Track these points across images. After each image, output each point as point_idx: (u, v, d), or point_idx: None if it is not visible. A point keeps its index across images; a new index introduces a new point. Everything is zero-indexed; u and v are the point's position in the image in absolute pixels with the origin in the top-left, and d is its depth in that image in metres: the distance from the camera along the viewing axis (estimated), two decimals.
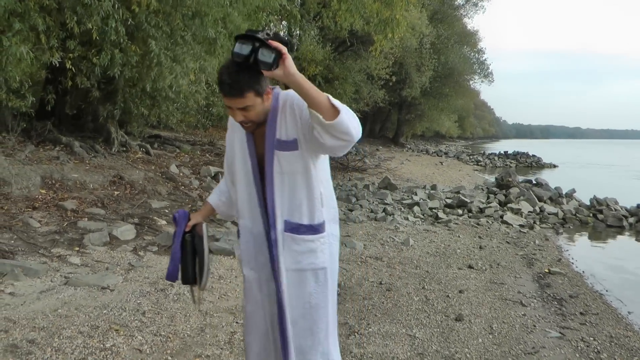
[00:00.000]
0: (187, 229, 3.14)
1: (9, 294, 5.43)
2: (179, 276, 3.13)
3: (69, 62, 9.67)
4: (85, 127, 13.20)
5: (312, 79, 21.36)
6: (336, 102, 2.51)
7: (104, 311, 5.20)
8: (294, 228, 2.86)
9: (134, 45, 10.15)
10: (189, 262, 3.11)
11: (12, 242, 6.86)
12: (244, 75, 2.59)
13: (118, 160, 11.87)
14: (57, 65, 9.69)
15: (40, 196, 8.74)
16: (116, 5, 9.16)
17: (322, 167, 2.92)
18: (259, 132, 2.88)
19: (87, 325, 4.84)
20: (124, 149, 13.07)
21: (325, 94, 2.55)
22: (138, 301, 5.53)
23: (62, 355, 4.24)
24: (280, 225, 2.86)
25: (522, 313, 6.19)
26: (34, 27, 8.62)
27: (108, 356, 4.27)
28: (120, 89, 12.55)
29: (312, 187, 2.86)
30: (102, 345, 4.46)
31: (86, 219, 8.21)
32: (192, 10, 10.45)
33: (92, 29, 8.97)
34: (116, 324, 4.93)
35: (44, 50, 9.22)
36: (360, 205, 13.09)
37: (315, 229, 2.89)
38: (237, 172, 3.00)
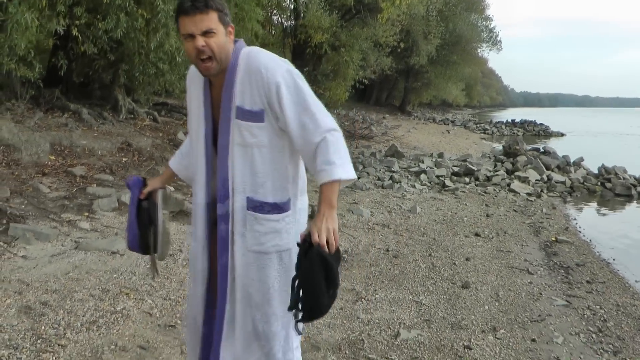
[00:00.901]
0: (143, 196, 2.96)
1: (22, 257, 5.51)
2: (139, 245, 2.99)
3: (75, 29, 9.62)
4: (92, 94, 13.21)
5: (318, 46, 21.26)
6: (335, 175, 2.46)
7: (114, 275, 5.27)
8: (258, 206, 2.62)
9: (140, 9, 10.08)
10: (146, 231, 2.95)
11: (23, 207, 6.93)
12: None
13: (126, 128, 11.89)
14: (62, 33, 9.64)
15: (49, 162, 8.79)
16: None
17: (289, 139, 2.63)
18: (217, 94, 2.67)
19: (98, 288, 4.91)
20: (132, 116, 13.08)
21: (335, 186, 2.47)
22: (148, 265, 5.59)
23: (74, 317, 4.31)
24: (241, 202, 2.62)
25: (529, 281, 6.23)
26: None
27: (119, 319, 4.34)
28: (125, 55, 12.51)
29: (278, 162, 2.63)
30: (112, 309, 4.53)
31: (95, 185, 8.27)
32: None
33: None
34: (126, 288, 5.00)
35: (50, 18, 9.17)
36: (367, 173, 13.12)
37: (280, 207, 2.65)
38: (193, 135, 2.80)
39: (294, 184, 2.70)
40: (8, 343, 3.80)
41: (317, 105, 2.57)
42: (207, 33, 2.48)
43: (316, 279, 2.36)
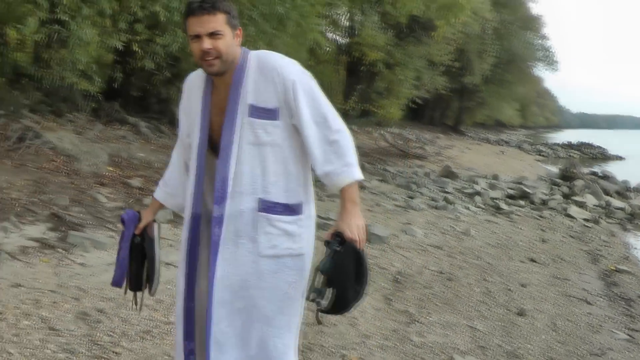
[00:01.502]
0: (138, 232, 2.86)
1: (80, 265, 5.62)
2: (125, 283, 2.90)
3: (136, 44, 9.82)
4: (150, 108, 13.49)
5: (373, 64, 21.26)
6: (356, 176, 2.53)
7: (168, 286, 5.29)
8: (270, 207, 2.54)
9: None
10: (138, 267, 2.87)
11: (82, 215, 7.08)
12: None
13: None
14: (122, 49, 9.86)
15: (107, 173, 8.97)
16: None
17: (301, 139, 2.60)
18: (219, 98, 2.63)
19: (152, 298, 4.94)
20: None
21: (355, 186, 2.54)
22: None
23: (129, 325, 4.36)
24: (251, 204, 2.53)
25: (588, 311, 6.03)
26: (101, 11, 8.79)
27: (171, 330, 4.34)
28: (182, 71, 12.71)
29: (290, 163, 2.59)
30: (165, 319, 4.57)
31: (151, 196, 8.39)
32: None
33: (159, 12, 9.06)
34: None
35: (110, 34, 9.41)
36: (421, 193, 13.00)
37: (292, 209, 2.59)
38: (193, 146, 2.70)
39: (305, 189, 2.66)
40: (65, 347, 3.87)
41: (329, 106, 2.60)
42: (213, 34, 2.47)
43: (348, 273, 2.41)
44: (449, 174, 16.75)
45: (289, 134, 2.57)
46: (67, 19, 8.09)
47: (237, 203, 2.54)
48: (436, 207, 11.49)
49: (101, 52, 11.21)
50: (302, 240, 2.61)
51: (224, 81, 2.61)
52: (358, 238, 2.44)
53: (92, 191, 8.01)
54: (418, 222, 9.77)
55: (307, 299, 2.47)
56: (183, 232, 2.73)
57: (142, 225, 2.87)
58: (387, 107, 24.39)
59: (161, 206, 2.98)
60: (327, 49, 23.92)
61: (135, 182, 8.80)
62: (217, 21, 2.47)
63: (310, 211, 2.69)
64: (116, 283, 2.90)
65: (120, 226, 2.92)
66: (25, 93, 10.70)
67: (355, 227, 2.45)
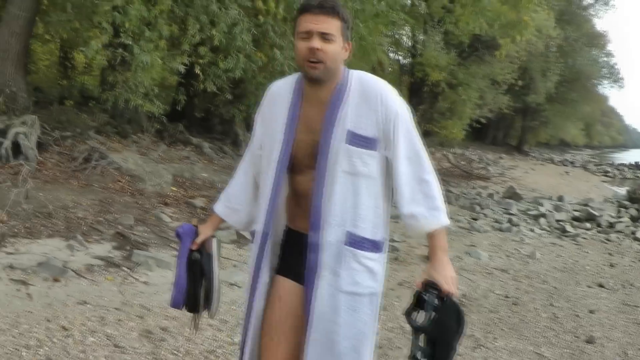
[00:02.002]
0: (195, 247, 2.65)
1: (143, 283, 5.68)
2: (184, 302, 2.68)
3: (199, 67, 9.95)
4: (213, 129, 13.69)
5: (435, 84, 21.15)
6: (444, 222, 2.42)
7: (232, 307, 5.31)
8: (358, 242, 2.42)
9: (259, 51, 10.36)
10: (196, 286, 2.66)
11: (146, 234, 7.19)
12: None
13: None
14: (184, 71, 10.03)
15: (171, 193, 9.11)
16: (241, 14, 9.36)
17: (390, 174, 2.49)
18: (310, 113, 2.47)
19: (217, 318, 4.95)
20: None
21: (444, 232, 2.43)
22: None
23: (193, 345, 4.37)
24: (339, 236, 2.40)
25: None
26: (162, 34, 8.98)
27: (235, 350, 4.32)
28: (246, 91, 12.87)
29: (379, 197, 2.47)
30: (230, 340, 4.56)
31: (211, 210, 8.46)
32: None
33: (215, 36, 9.19)
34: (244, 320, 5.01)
35: (173, 57, 9.60)
36: (485, 215, 12.79)
37: (378, 246, 2.48)
38: (271, 162, 2.52)
39: (386, 225, 2.55)
40: None
41: (422, 144, 2.50)
42: (325, 36, 2.33)
43: (452, 329, 2.27)
44: (513, 195, 16.46)
45: (382, 166, 2.46)
46: (130, 42, 8.28)
47: (328, 233, 2.41)
48: (500, 229, 11.26)
49: (165, 75, 11.44)
50: (380, 278, 2.51)
51: (318, 96, 2.46)
52: (454, 291, 2.32)
53: (156, 211, 8.13)
54: (482, 244, 9.57)
55: (412, 357, 2.28)
56: (252, 249, 2.60)
57: (199, 240, 2.67)
58: (450, 128, 24.25)
59: (221, 221, 2.79)
60: (390, 69, 23.96)
61: (199, 202, 8.90)
62: (333, 25, 2.34)
63: (387, 247, 2.60)
64: (175, 304, 2.69)
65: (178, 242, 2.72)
66: (92, 115, 11.00)
67: (450, 279, 2.32)
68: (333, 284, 2.41)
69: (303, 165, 2.49)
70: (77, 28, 12.29)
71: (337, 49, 2.36)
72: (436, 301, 2.27)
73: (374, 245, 2.45)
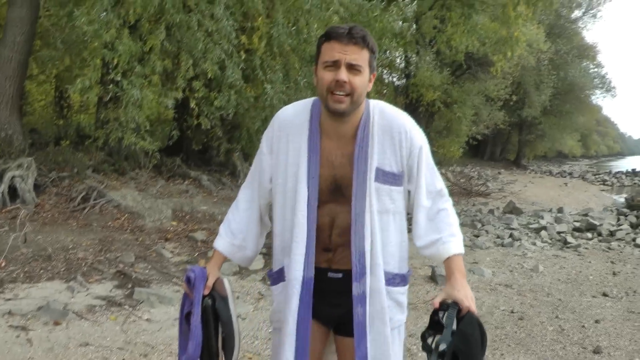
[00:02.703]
0: (207, 292, 2.46)
1: (146, 320, 5.64)
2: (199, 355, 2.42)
3: (194, 101, 9.93)
4: (211, 161, 13.70)
5: (430, 104, 21.22)
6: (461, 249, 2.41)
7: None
8: (390, 279, 2.40)
9: (249, 87, 10.39)
10: (212, 334, 2.44)
11: (147, 271, 7.15)
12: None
13: None
14: (177, 105, 10.01)
15: (171, 228, 9.08)
16: (230, 50, 9.39)
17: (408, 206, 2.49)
18: (333, 147, 2.37)
19: None
20: None
21: (461, 258, 2.39)
22: (269, 330, 5.56)
23: None
24: (380, 277, 2.34)
25: None
26: (154, 69, 9.01)
27: None
28: (241, 127, 12.88)
29: (403, 230, 2.45)
30: None
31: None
32: (310, 53, 10.44)
33: (207, 70, 9.20)
34: (249, 352, 4.99)
35: (165, 93, 9.62)
36: (486, 231, 12.76)
37: (405, 279, 2.48)
38: (287, 194, 2.41)
39: (407, 255, 2.52)
40: None
41: (439, 175, 2.50)
42: (353, 67, 2.22)
43: (477, 346, 2.20)
44: (514, 209, 16.47)
45: (405, 199, 2.43)
46: (119, 78, 8.30)
47: (376, 278, 2.34)
48: (502, 245, 11.24)
49: (160, 109, 11.45)
50: (406, 309, 2.51)
51: (339, 130, 2.36)
52: (474, 308, 2.27)
53: (156, 247, 8.11)
54: (485, 260, 9.55)
55: None
56: (288, 300, 2.37)
57: (210, 283, 2.49)
58: (448, 146, 24.29)
59: (225, 259, 2.64)
60: (385, 91, 24.04)
61: (200, 235, 8.87)
62: (362, 56, 2.23)
63: None
64: (191, 358, 2.40)
65: (184, 286, 2.51)
66: (89, 154, 10.99)
67: (471, 298, 2.26)
68: (368, 324, 2.35)
69: (320, 201, 2.38)
70: (69, 65, 12.36)
71: (364, 82, 2.26)
72: (455, 318, 2.22)
73: (402, 280, 2.46)
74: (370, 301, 2.33)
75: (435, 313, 2.27)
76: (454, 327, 2.19)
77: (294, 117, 2.44)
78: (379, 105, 2.41)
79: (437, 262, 2.46)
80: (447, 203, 2.45)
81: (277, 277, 2.52)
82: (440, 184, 2.45)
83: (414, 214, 2.43)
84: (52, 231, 8.00)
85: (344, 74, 2.19)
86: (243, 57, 9.65)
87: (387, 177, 2.34)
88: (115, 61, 8.27)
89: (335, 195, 2.37)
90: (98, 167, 10.77)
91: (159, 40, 8.80)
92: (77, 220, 8.62)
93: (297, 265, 2.35)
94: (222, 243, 2.62)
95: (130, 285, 6.53)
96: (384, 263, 2.36)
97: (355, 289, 2.32)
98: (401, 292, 2.45)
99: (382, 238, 2.35)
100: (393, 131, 2.35)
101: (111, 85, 8.56)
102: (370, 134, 2.34)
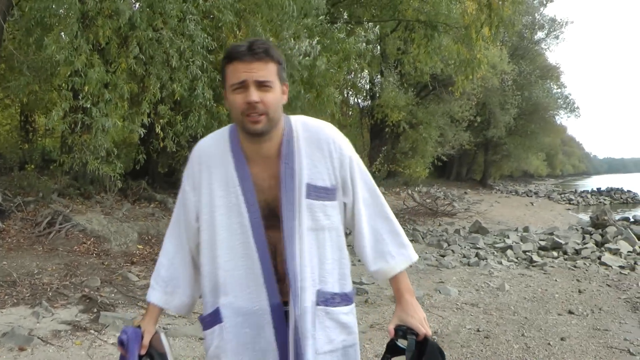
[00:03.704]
0: (143, 351, 2.26)
1: (112, 344, 5.60)
2: None
3: (158, 126, 9.80)
4: (177, 184, 13.54)
5: (395, 125, 21.44)
6: (413, 257, 2.32)
7: None
8: (329, 299, 2.23)
9: (221, 106, 10.37)
10: None
11: (113, 295, 7.12)
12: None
13: None
14: (144, 132, 9.94)
15: (137, 251, 9.05)
16: (203, 69, 9.35)
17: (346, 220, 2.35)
18: (260, 168, 2.22)
19: None
20: None
21: (405, 272, 2.30)
22: None
23: None
24: (311, 297, 2.18)
25: None
26: (122, 95, 8.94)
27: None
28: None
29: (342, 247, 2.28)
30: None
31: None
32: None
33: (176, 92, 9.11)
34: None
35: (132, 118, 9.55)
36: (452, 251, 12.88)
37: (348, 298, 2.30)
38: (217, 230, 2.21)
39: (349, 272, 2.34)
40: None
41: (373, 180, 2.36)
42: (263, 85, 2.07)
43: None
44: (480, 229, 16.64)
45: (341, 214, 2.29)
46: (89, 105, 8.21)
47: (304, 299, 2.17)
48: (469, 264, 11.34)
49: (126, 133, 11.40)
50: (354, 329, 2.32)
51: (262, 152, 2.22)
52: (430, 332, 2.19)
53: (122, 270, 8.08)
54: (451, 280, 9.63)
55: None
56: (235, 335, 2.22)
57: (147, 341, 2.29)
58: (413, 167, 24.49)
59: (161, 311, 2.43)
60: (350, 112, 24.23)
61: None
62: (269, 71, 2.09)
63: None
64: None
65: (118, 348, 2.29)
66: (54, 178, 10.92)
67: (424, 321, 2.17)
68: (312, 349, 2.18)
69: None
70: (36, 91, 12.29)
71: (277, 97, 2.13)
72: (413, 346, 2.15)
73: (344, 299, 2.28)
74: (300, 323, 2.16)
75: (392, 341, 2.22)
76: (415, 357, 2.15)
77: (212, 148, 2.30)
78: (300, 119, 2.30)
79: (383, 280, 2.31)
80: (390, 211, 2.33)
81: (211, 320, 2.29)
82: (378, 192, 2.33)
83: (356, 225, 2.30)
84: (17, 256, 7.93)
85: (254, 95, 2.06)
86: (216, 76, 9.59)
87: (319, 193, 2.20)
88: (87, 88, 8.18)
89: (272, 220, 2.20)
90: (63, 191, 10.71)
91: (128, 62, 8.71)
92: (42, 245, 8.56)
93: (259, 296, 2.19)
94: (154, 294, 2.40)
95: (95, 310, 6.49)
96: (320, 282, 2.21)
97: (292, 311, 2.16)
98: (344, 312, 2.26)
99: (316, 256, 2.20)
100: (321, 143, 2.23)
101: (80, 115, 8.46)
102: (296, 149, 2.21)
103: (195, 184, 2.29)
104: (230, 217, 2.20)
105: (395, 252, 2.28)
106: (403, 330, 2.19)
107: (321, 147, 2.22)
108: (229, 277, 2.21)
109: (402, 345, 2.20)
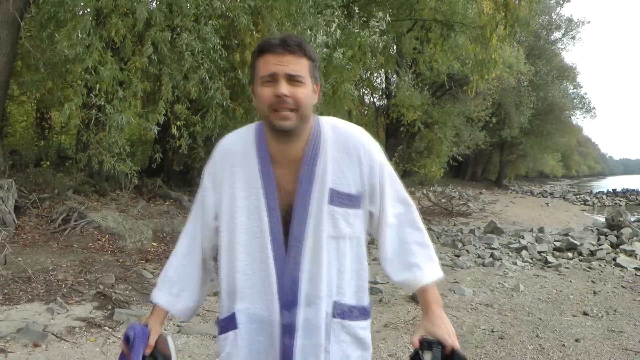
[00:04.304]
0: (149, 351, 2.20)
1: None
2: None
3: (174, 127, 9.70)
4: (192, 182, 13.71)
5: (411, 124, 21.37)
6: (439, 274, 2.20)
7: (216, 359, 5.26)
8: (346, 312, 2.13)
9: (236, 104, 10.34)
10: None
11: (127, 292, 7.14)
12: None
13: None
14: (156, 133, 9.90)
15: (152, 249, 9.07)
16: (220, 67, 9.29)
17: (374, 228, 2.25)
18: (285, 171, 2.12)
19: None
20: None
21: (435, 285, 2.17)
22: None
23: None
24: (326, 308, 2.09)
25: None
26: (135, 93, 8.92)
27: None
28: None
29: (362, 258, 2.18)
30: None
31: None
32: None
33: (191, 92, 9.05)
34: None
35: (147, 115, 9.55)
36: (467, 251, 12.82)
37: (367, 312, 2.21)
38: (237, 232, 2.14)
39: (367, 285, 2.25)
40: None
41: (403, 187, 2.27)
42: (294, 79, 1.98)
43: None
44: (495, 229, 16.56)
45: (365, 223, 2.20)
46: (103, 102, 8.17)
47: (313, 310, 2.08)
48: (483, 264, 11.29)
49: (141, 131, 11.43)
50: (369, 343, 2.22)
51: (289, 153, 2.12)
52: (457, 345, 2.05)
53: (137, 268, 8.09)
54: (466, 280, 9.59)
55: None
56: (249, 343, 2.16)
57: (152, 341, 2.21)
58: (429, 166, 24.40)
59: (167, 313, 2.33)
60: (365, 112, 24.17)
61: None
62: (301, 65, 2.00)
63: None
64: None
65: (121, 345, 2.24)
66: (69, 175, 10.97)
67: (452, 333, 2.05)
68: None
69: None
70: (51, 88, 12.34)
71: (308, 93, 2.02)
72: (441, 357, 2.04)
73: (362, 312, 2.19)
74: (304, 335, 2.08)
75: (416, 352, 2.08)
76: None
77: (237, 145, 2.21)
78: (330, 121, 2.20)
79: (409, 291, 2.23)
80: (420, 222, 2.24)
81: (226, 324, 2.21)
82: (410, 201, 2.24)
83: (381, 236, 2.21)
84: (32, 253, 7.97)
85: (284, 88, 1.96)
86: (232, 76, 9.57)
87: (342, 199, 2.10)
88: (98, 86, 8.15)
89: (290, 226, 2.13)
90: (79, 188, 10.75)
91: (143, 61, 8.70)
92: (57, 241, 8.60)
93: (268, 305, 2.11)
94: (159, 295, 2.31)
95: (110, 307, 6.51)
96: (337, 293, 2.13)
97: (284, 318, 2.08)
98: (361, 327, 2.18)
99: (335, 266, 2.12)
100: (350, 147, 2.13)
101: (94, 111, 8.44)
102: (322, 152, 2.11)
103: (217, 182, 2.21)
104: (250, 219, 2.11)
105: (423, 264, 2.16)
106: (429, 342, 2.08)
107: (350, 152, 2.12)
108: (246, 282, 2.13)
109: (426, 359, 2.08)
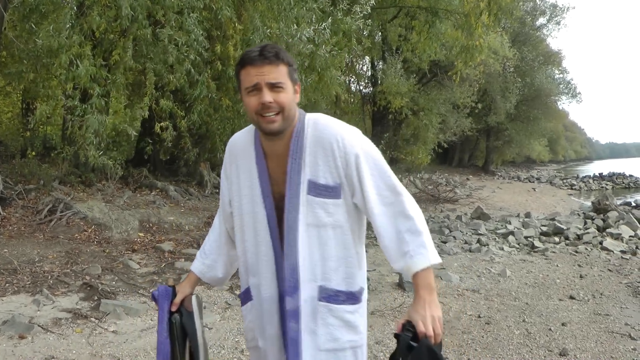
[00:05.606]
0: (174, 308, 2.52)
1: (112, 332, 5.62)
2: None
3: (158, 126, 9.48)
4: (178, 171, 13.68)
5: (398, 111, 21.36)
6: (433, 259, 2.24)
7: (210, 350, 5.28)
8: (331, 296, 2.29)
9: (222, 96, 10.25)
10: (178, 349, 2.47)
11: (114, 283, 7.13)
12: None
13: (212, 202, 12.17)
14: (139, 130, 9.78)
15: (138, 239, 9.05)
16: (205, 59, 9.20)
17: (362, 219, 2.40)
18: (275, 165, 2.36)
19: None
20: (217, 190, 13.37)
21: (431, 270, 2.24)
22: (236, 339, 5.59)
23: None
24: (311, 292, 2.28)
25: (632, 347, 5.83)
26: (118, 88, 8.79)
27: None
28: (211, 138, 12.77)
29: (350, 246, 2.33)
30: None
31: (183, 259, 8.42)
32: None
33: (177, 84, 8.88)
34: None
35: (133, 107, 9.46)
36: (454, 237, 12.86)
37: (355, 297, 2.35)
38: (244, 216, 2.42)
39: (361, 273, 2.40)
40: None
41: (394, 176, 2.34)
42: (275, 86, 2.20)
43: None
44: (481, 215, 16.61)
45: (350, 213, 2.32)
46: (77, 103, 7.93)
47: (297, 294, 2.28)
48: (470, 250, 11.34)
49: (126, 121, 11.36)
50: (362, 329, 2.37)
51: (277, 149, 2.35)
52: (433, 332, 2.10)
53: (123, 258, 8.08)
54: (453, 266, 9.63)
55: None
56: (261, 318, 2.41)
57: (178, 299, 2.54)
58: (415, 153, 24.41)
59: (198, 280, 2.66)
60: (352, 99, 24.13)
61: (166, 246, 8.85)
62: (280, 72, 2.21)
63: (366, 296, 2.47)
64: None
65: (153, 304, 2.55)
66: (55, 165, 10.91)
67: (430, 320, 2.10)
68: (313, 345, 2.27)
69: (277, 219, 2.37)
70: (34, 79, 12.23)
71: (289, 96, 2.24)
72: (409, 341, 2.07)
73: (350, 297, 2.33)
74: (309, 316, 2.28)
75: (397, 336, 2.13)
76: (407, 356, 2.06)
77: (240, 142, 2.48)
78: (314, 117, 2.37)
79: (409, 278, 2.26)
80: (412, 209, 2.29)
81: (244, 297, 2.52)
82: (398, 189, 2.30)
83: (374, 226, 2.30)
84: (18, 244, 7.94)
85: (267, 96, 2.20)
86: (217, 67, 9.46)
87: (320, 190, 2.27)
88: (74, 83, 7.94)
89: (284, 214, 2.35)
90: (64, 179, 10.70)
91: (126, 55, 8.54)
92: (43, 232, 8.57)
93: (268, 283, 2.36)
94: (195, 263, 2.70)
95: (96, 298, 6.50)
96: (322, 279, 2.29)
97: (288, 303, 2.28)
98: (348, 311, 2.32)
99: (318, 252, 2.29)
100: (324, 142, 2.29)
101: (70, 116, 8.27)
102: (303, 146, 2.30)
103: (227, 173, 2.52)
104: (253, 205, 2.38)
105: (414, 251, 2.22)
106: (406, 327, 2.12)
107: (324, 145, 2.29)
108: (255, 260, 2.40)
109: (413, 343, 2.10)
